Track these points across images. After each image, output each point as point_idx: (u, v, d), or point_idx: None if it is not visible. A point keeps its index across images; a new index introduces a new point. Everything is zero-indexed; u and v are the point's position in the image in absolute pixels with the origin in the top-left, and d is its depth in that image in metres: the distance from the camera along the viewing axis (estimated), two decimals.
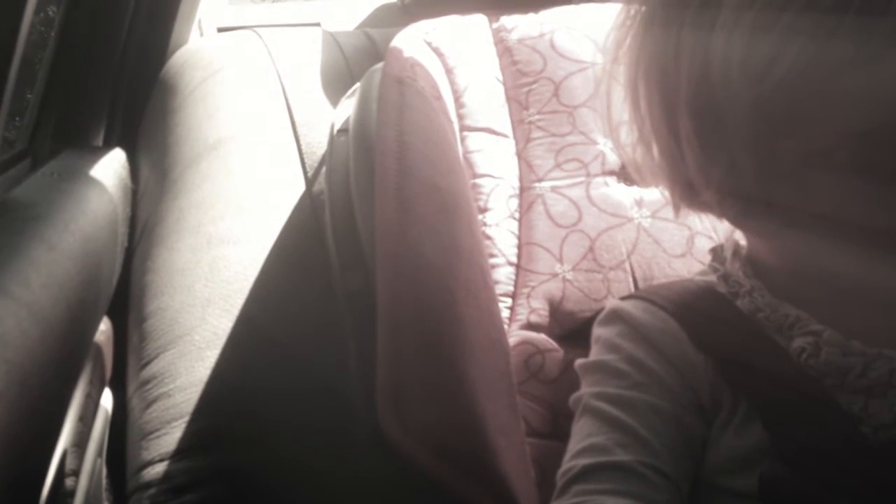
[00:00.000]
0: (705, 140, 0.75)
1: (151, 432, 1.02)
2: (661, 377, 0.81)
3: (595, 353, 0.86)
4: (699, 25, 0.72)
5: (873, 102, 0.67)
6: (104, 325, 1.20)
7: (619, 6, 1.12)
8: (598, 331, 0.87)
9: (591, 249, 1.00)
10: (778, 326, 0.81)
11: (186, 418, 1.02)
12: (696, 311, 0.84)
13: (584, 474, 0.78)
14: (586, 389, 0.84)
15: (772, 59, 0.68)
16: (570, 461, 0.80)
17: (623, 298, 0.89)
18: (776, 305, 0.81)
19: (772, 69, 0.68)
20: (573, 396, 0.85)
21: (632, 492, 0.75)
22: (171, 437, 1.01)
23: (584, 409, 0.83)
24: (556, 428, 0.92)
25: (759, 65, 0.68)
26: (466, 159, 1.06)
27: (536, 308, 0.98)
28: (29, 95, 1.35)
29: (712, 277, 0.87)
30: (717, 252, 0.88)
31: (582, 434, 0.81)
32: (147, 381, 1.07)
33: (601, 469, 0.77)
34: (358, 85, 1.10)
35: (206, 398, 1.03)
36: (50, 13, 1.44)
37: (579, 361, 0.87)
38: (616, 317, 0.86)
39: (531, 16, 1.15)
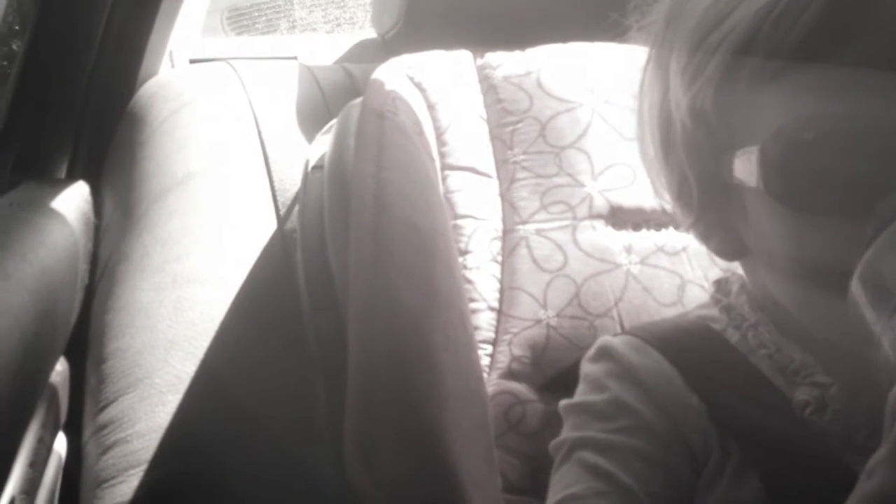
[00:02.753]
0: (665, 153, 0.84)
1: (107, 480, 1.01)
2: (649, 422, 0.80)
3: (581, 392, 0.86)
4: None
5: (778, 118, 0.73)
6: (61, 366, 1.19)
7: (607, 45, 1.14)
8: (586, 367, 0.87)
9: (576, 295, 1.00)
10: (781, 367, 0.80)
11: (144, 466, 1.00)
12: (690, 350, 0.84)
13: None
14: (569, 434, 0.83)
15: (699, 68, 0.78)
16: None
17: (614, 335, 0.88)
18: (782, 344, 0.81)
19: (698, 75, 0.78)
20: (554, 442, 0.84)
21: None
22: (127, 486, 1.00)
23: (564, 456, 0.82)
24: (535, 483, 0.91)
25: (692, 72, 0.78)
26: (447, 199, 1.05)
27: (518, 356, 0.98)
28: None
29: (712, 311, 0.87)
30: (721, 283, 0.88)
31: (561, 485, 0.81)
32: (104, 426, 1.05)
33: None
34: (335, 121, 1.10)
35: (166, 445, 1.02)
36: (14, 47, 1.44)
37: (564, 401, 0.86)
38: (605, 354, 0.85)
39: (517, 53, 1.16)
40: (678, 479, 0.79)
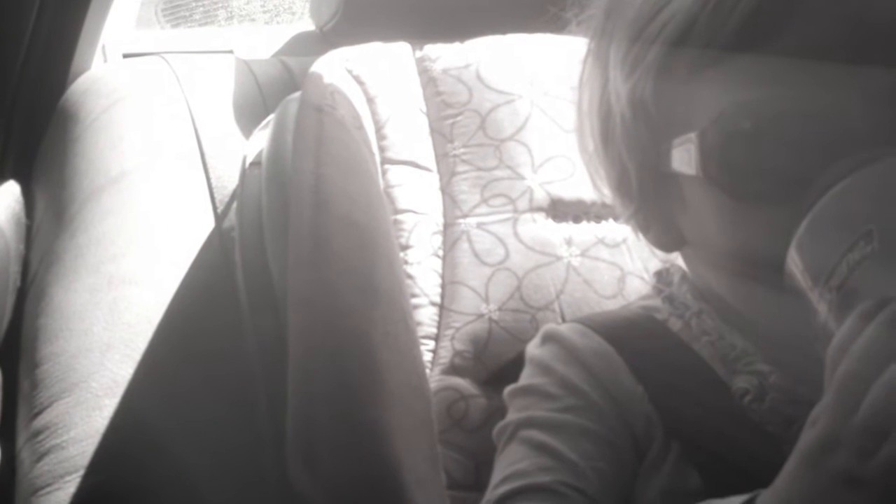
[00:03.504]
0: (604, 146, 0.85)
1: (42, 487, 1.00)
2: (595, 402, 0.81)
3: (526, 376, 0.87)
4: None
5: (716, 105, 0.75)
6: None
7: (546, 36, 1.15)
8: (531, 352, 0.88)
9: (518, 289, 1.00)
10: (723, 355, 0.82)
11: (81, 472, 0.99)
12: (634, 339, 0.85)
13: (502, 501, 0.78)
14: (513, 416, 0.84)
15: (639, 57, 0.79)
16: (490, 493, 0.80)
17: (559, 325, 0.89)
18: (724, 331, 0.82)
19: (638, 65, 0.79)
20: (498, 426, 0.85)
21: None
22: (63, 493, 0.99)
23: (509, 438, 0.83)
24: (479, 479, 0.91)
25: (632, 61, 0.80)
26: (388, 194, 1.05)
27: (460, 350, 0.98)
28: None
29: (655, 301, 0.88)
30: (662, 275, 0.90)
31: (504, 464, 0.81)
32: (39, 432, 1.04)
33: (518, 493, 0.77)
34: (272, 116, 1.10)
35: (103, 451, 1.01)
36: None
37: (509, 388, 0.87)
38: (550, 338, 0.86)
39: (457, 45, 1.16)
40: (623, 458, 0.80)
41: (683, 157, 0.77)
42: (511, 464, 0.80)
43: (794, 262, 0.67)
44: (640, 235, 0.88)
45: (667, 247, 0.88)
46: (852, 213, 0.65)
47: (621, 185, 0.85)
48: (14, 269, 1.21)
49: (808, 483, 0.60)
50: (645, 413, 0.81)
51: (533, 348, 0.88)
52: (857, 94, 0.71)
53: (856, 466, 0.58)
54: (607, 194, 0.89)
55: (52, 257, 1.19)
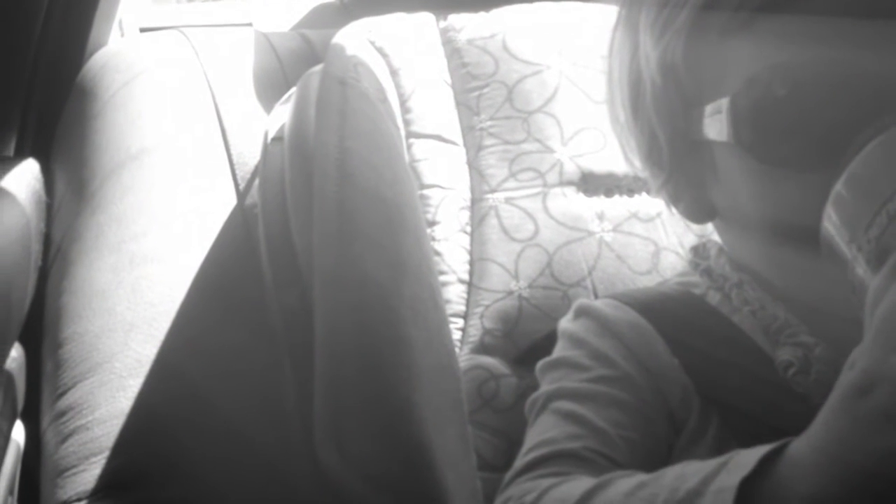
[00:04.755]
0: (634, 114, 0.85)
1: (68, 469, 1.00)
2: (628, 372, 0.81)
3: (558, 350, 0.87)
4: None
5: (748, 68, 0.75)
6: (16, 352, 1.18)
7: (574, 4, 1.13)
8: (563, 326, 0.88)
9: (548, 265, 1.00)
10: (765, 326, 0.81)
11: (106, 454, 1.00)
12: (671, 313, 0.85)
13: (528, 468, 0.78)
14: (544, 388, 0.84)
15: (669, 20, 0.80)
16: (518, 461, 0.80)
17: (592, 300, 0.89)
18: (766, 301, 0.82)
19: (668, 27, 0.79)
20: (530, 399, 0.85)
21: (574, 472, 0.75)
22: (89, 475, 0.99)
23: (540, 409, 0.83)
24: (510, 460, 0.90)
25: (662, 24, 0.80)
26: (413, 168, 1.05)
27: (490, 329, 0.98)
28: None
29: (692, 277, 0.87)
30: (698, 249, 0.89)
31: (534, 434, 0.81)
32: (63, 413, 1.04)
33: (545, 459, 0.77)
34: (294, 89, 1.09)
35: (127, 431, 1.01)
36: None
37: (541, 362, 0.87)
38: (584, 312, 0.86)
39: (482, 14, 1.15)
40: (655, 430, 0.80)
41: (714, 123, 0.77)
42: (540, 433, 0.81)
43: (831, 219, 0.67)
44: (672, 208, 0.88)
45: (699, 218, 0.87)
46: (891, 166, 0.65)
47: (652, 155, 0.85)
48: (36, 248, 1.21)
49: (846, 424, 0.60)
50: (681, 384, 0.80)
51: (565, 322, 0.88)
52: (889, 52, 0.71)
53: (894, 405, 0.57)
54: (638, 166, 0.88)
55: (73, 236, 1.19)
